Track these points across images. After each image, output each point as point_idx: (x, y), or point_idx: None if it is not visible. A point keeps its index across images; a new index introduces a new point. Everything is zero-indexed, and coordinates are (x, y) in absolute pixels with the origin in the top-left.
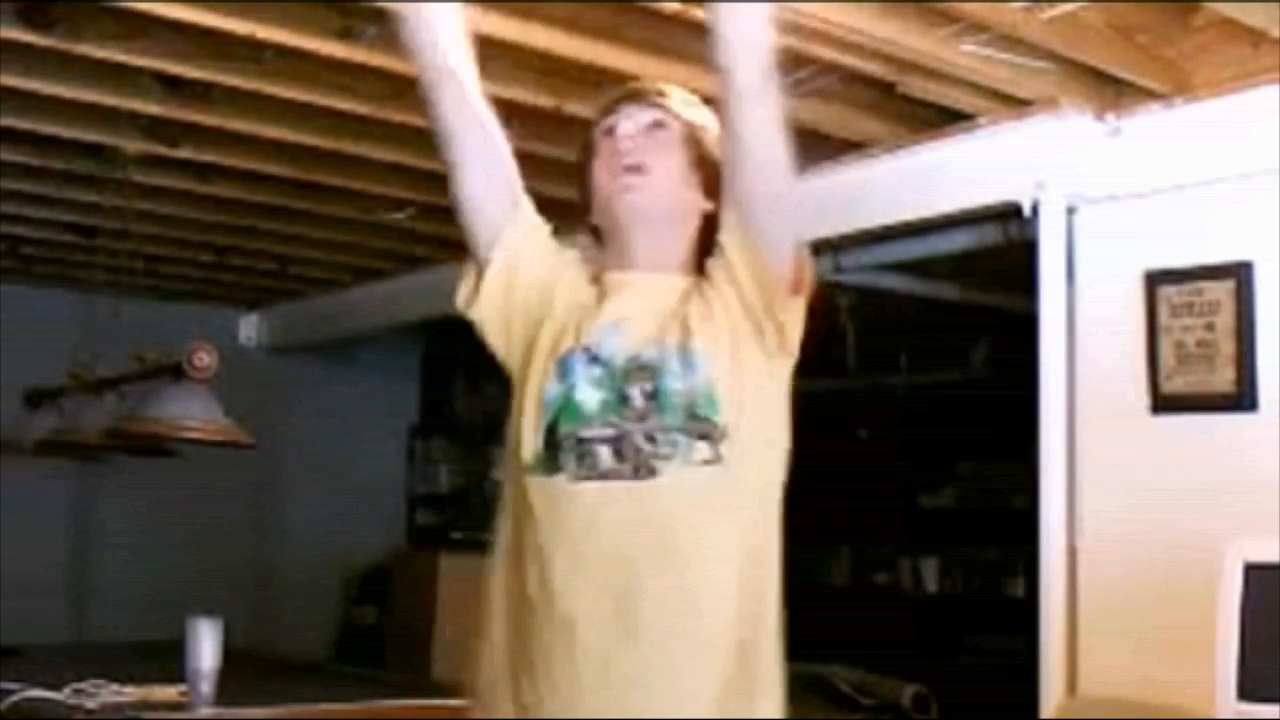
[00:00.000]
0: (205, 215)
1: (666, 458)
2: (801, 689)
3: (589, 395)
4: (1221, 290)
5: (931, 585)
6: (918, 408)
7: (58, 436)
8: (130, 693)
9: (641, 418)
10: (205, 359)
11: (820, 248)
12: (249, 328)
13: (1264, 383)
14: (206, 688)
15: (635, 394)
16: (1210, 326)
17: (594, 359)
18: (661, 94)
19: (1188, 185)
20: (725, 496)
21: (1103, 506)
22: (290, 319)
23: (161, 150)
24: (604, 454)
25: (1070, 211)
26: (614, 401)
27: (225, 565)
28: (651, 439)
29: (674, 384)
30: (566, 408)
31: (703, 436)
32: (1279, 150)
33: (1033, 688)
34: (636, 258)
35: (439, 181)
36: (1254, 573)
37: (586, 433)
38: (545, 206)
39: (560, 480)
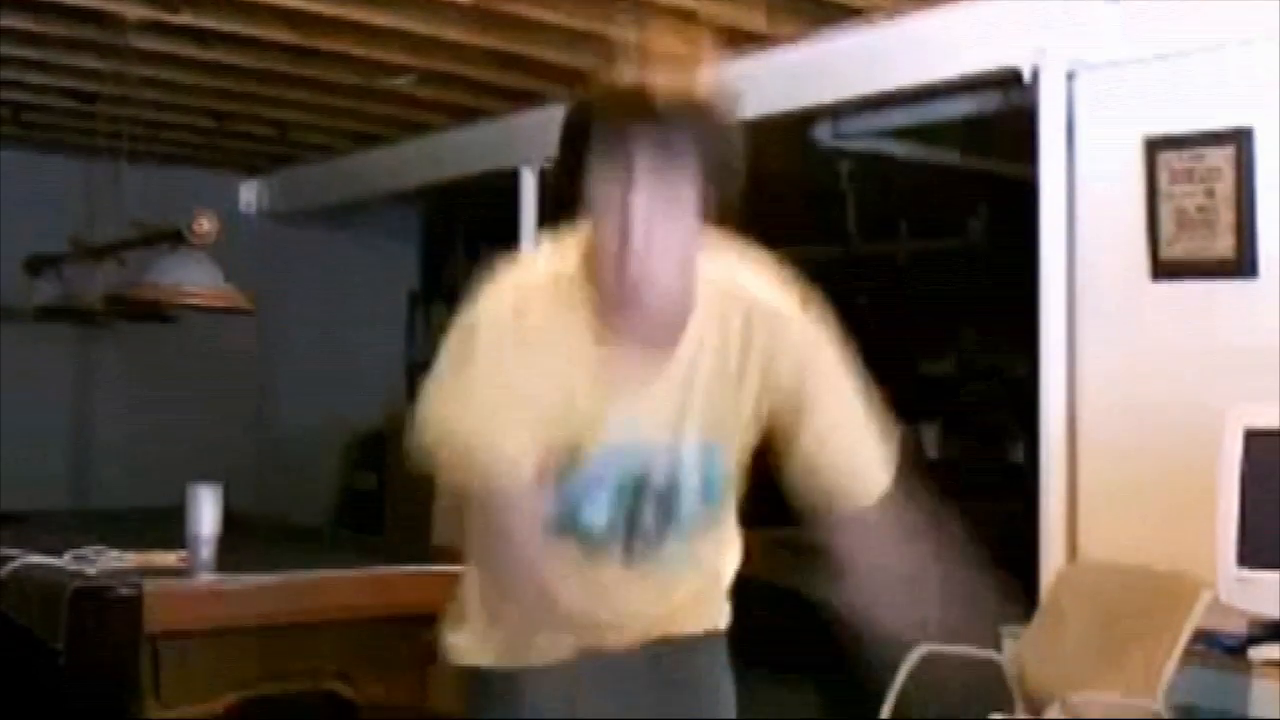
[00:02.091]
0: (205, 81)
1: (672, 543)
2: (800, 554)
3: (597, 518)
4: (1221, 156)
5: (932, 451)
6: (918, 274)
7: (59, 303)
8: (131, 558)
9: (653, 532)
10: (205, 225)
11: (820, 114)
12: (249, 194)
13: (1264, 249)
14: (206, 553)
15: (648, 517)
16: (1210, 193)
17: (599, 481)
18: (679, 134)
19: (1189, 52)
20: (718, 526)
21: (1103, 373)
22: (290, 185)
23: (162, 16)
24: (614, 551)
25: (1070, 77)
26: (623, 520)
27: (225, 431)
28: (662, 539)
29: (691, 507)
30: (573, 519)
31: (709, 521)
32: None
33: (1033, 554)
34: (646, 322)
35: (440, 47)
36: (1254, 438)
37: (595, 537)
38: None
39: (563, 541)
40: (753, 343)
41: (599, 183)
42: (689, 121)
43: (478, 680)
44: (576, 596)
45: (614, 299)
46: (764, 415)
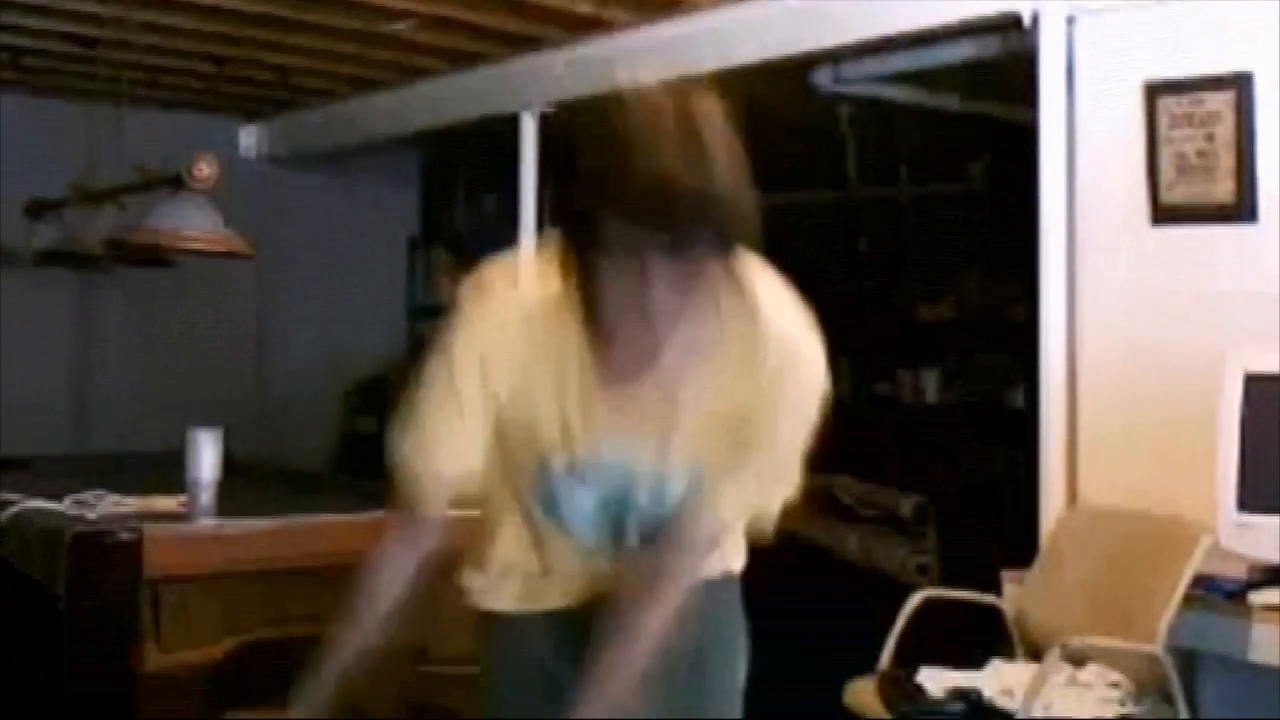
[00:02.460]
0: (206, 25)
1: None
2: (803, 501)
3: (580, 523)
4: (1221, 101)
5: (932, 396)
6: (918, 219)
7: (59, 247)
8: (131, 503)
9: (638, 544)
10: (205, 170)
11: (820, 59)
12: (249, 138)
13: (1263, 193)
14: (206, 498)
15: (631, 529)
16: (1210, 137)
17: (582, 488)
18: (695, 232)
19: None
20: None
21: (1103, 318)
22: (291, 130)
23: None
24: (601, 560)
25: (1070, 22)
26: (608, 530)
27: (226, 376)
28: (646, 542)
29: (669, 513)
30: (557, 516)
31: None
32: None
33: (1033, 499)
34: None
35: None
36: (1254, 383)
37: (580, 537)
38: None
39: (552, 524)
40: (759, 376)
41: (607, 262)
42: (706, 214)
43: (491, 622)
44: (576, 569)
45: (607, 347)
46: None
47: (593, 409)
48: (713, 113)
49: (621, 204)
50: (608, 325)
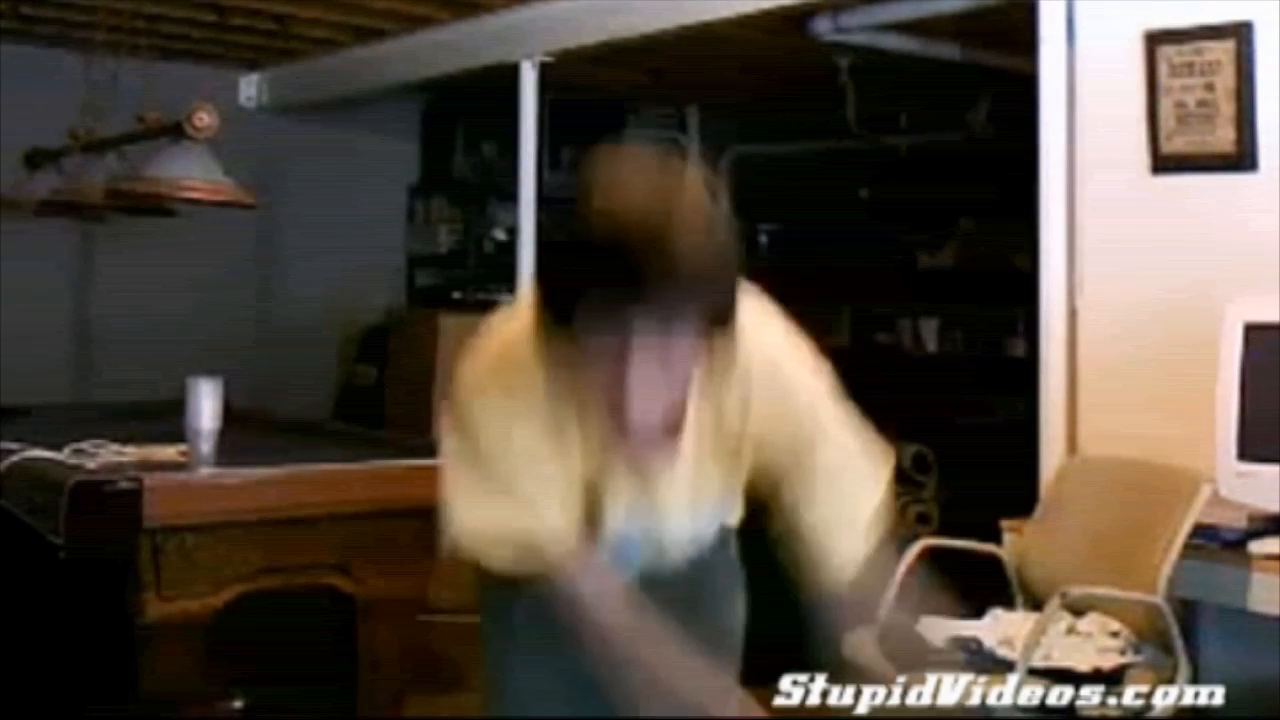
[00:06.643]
0: None
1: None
2: None
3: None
4: (1221, 50)
5: (932, 345)
6: (918, 168)
7: (58, 197)
8: (130, 452)
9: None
10: (206, 119)
11: (821, 8)
12: (249, 88)
13: (1264, 143)
14: (206, 447)
15: (667, 572)
16: (1210, 87)
17: (614, 551)
18: (676, 302)
19: None
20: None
21: (1103, 267)
22: (291, 79)
23: None
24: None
25: None
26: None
27: (226, 326)
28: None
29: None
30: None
31: None
32: None
33: (1033, 448)
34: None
35: None
36: (1254, 332)
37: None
38: None
39: None
40: (751, 396)
41: (592, 340)
42: (684, 281)
43: (491, 581)
44: None
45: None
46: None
47: (606, 488)
48: (693, 188)
49: (598, 276)
50: (606, 410)
